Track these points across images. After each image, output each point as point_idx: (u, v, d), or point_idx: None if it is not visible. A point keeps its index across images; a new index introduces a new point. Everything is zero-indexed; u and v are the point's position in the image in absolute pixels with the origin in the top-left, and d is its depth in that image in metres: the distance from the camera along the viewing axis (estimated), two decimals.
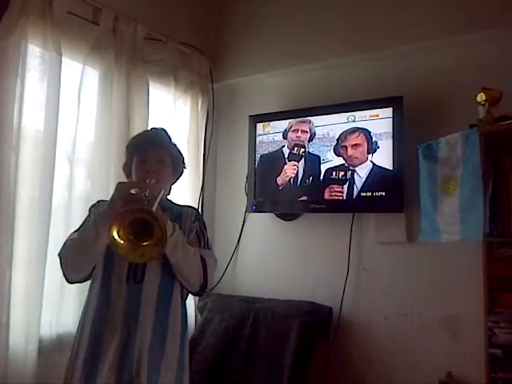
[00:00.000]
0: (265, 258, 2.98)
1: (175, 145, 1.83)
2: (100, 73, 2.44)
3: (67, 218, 2.26)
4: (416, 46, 2.49)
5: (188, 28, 3.02)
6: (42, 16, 2.13)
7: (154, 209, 1.44)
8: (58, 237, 2.18)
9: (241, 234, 3.07)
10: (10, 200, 2.02)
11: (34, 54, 2.14)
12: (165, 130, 1.83)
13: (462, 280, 2.31)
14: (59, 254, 1.64)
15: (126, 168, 1.79)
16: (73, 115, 2.31)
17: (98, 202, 1.79)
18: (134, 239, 1.41)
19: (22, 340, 2.04)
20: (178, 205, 1.83)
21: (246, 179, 3.00)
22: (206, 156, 3.10)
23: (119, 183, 1.62)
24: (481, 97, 2.09)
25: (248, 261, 3.04)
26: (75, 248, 1.60)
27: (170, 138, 1.81)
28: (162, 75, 2.80)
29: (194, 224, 1.73)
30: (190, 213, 1.77)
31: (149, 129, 1.87)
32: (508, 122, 2.03)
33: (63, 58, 2.21)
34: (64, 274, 1.63)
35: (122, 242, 1.41)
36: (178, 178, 1.84)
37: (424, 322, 2.43)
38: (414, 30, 2.49)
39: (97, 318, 1.61)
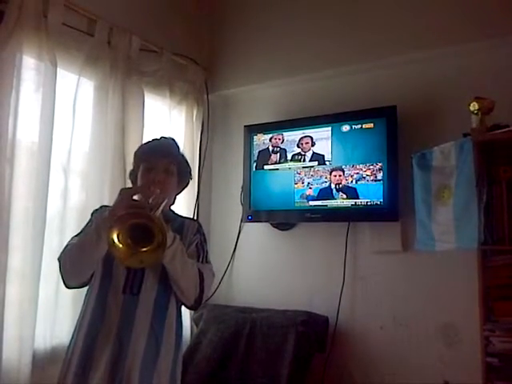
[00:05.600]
0: (261, 268, 2.97)
1: (183, 155, 1.82)
2: (95, 84, 2.44)
3: (62, 229, 2.24)
4: (409, 57, 2.52)
5: (183, 39, 3.03)
6: (36, 28, 2.13)
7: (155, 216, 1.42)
8: (53, 248, 2.17)
9: (236, 244, 3.06)
10: (4, 211, 2.00)
11: (29, 66, 2.14)
12: (174, 140, 1.82)
13: (458, 289, 2.31)
14: (59, 258, 1.62)
15: (133, 175, 1.77)
16: (68, 126, 2.30)
17: (101, 207, 1.78)
18: (133, 244, 1.40)
19: (15, 353, 2.01)
20: (181, 216, 1.82)
21: (241, 189, 3.00)
22: (201, 166, 3.10)
23: (123, 189, 1.60)
24: (473, 106, 2.11)
25: (244, 271, 3.03)
26: (75, 252, 1.58)
27: (178, 148, 1.81)
28: (157, 86, 2.81)
29: (195, 237, 1.71)
30: (192, 225, 1.75)
31: (158, 137, 1.83)
32: (501, 130, 2.05)
33: (58, 70, 2.21)
34: (62, 278, 1.61)
35: (120, 245, 1.39)
36: (183, 189, 1.83)
37: (420, 331, 2.42)
38: (407, 41, 2.51)
39: (91, 328, 1.59)
